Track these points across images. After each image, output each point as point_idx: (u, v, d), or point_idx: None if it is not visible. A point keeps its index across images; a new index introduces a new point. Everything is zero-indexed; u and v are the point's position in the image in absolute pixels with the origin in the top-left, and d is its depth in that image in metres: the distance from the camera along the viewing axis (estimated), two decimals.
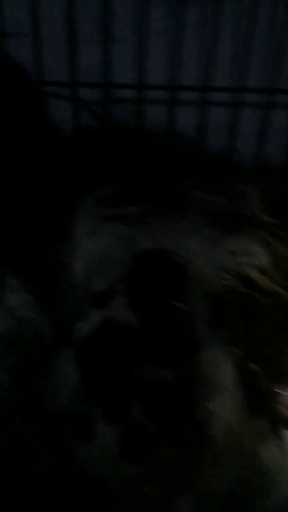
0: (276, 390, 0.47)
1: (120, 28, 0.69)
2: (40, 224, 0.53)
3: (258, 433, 0.46)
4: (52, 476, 0.45)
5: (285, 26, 0.69)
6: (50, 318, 0.51)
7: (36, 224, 0.53)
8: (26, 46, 0.67)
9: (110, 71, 0.70)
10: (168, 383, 0.45)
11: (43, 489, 0.45)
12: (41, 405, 0.47)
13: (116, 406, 0.44)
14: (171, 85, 0.70)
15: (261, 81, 0.72)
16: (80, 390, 0.45)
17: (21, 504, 0.45)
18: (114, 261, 0.52)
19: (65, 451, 0.44)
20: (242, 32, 0.69)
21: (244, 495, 0.45)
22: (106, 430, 0.43)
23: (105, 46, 0.69)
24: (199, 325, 0.48)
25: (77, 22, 0.67)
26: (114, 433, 0.43)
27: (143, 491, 0.44)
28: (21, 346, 0.52)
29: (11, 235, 0.52)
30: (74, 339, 0.48)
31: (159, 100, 0.72)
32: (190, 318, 0.48)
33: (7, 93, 0.55)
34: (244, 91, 0.72)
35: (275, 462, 0.45)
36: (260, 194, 0.57)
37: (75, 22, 0.67)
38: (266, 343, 0.48)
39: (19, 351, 0.52)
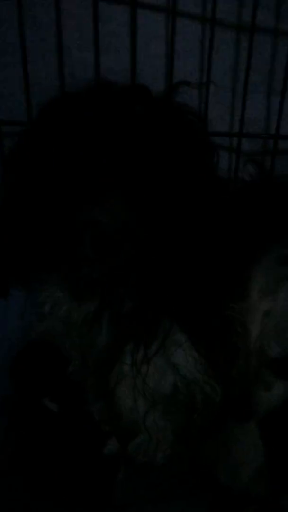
0: None
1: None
2: (213, 279, 0.50)
3: None
4: None
5: None
6: (220, 381, 0.48)
7: (208, 279, 0.50)
8: (192, 96, 0.66)
9: (273, 122, 0.67)
10: None
11: None
12: (214, 480, 0.43)
13: None
14: None
15: None
16: (266, 473, 0.40)
17: None
18: None
19: None
20: None
21: None
22: None
23: (271, 97, 0.67)
24: None
25: (244, 73, 0.65)
26: None
27: None
28: (185, 407, 0.48)
29: (181, 290, 0.49)
30: (255, 411, 0.43)
31: None
32: None
33: (182, 142, 0.53)
34: None
35: None
36: None
37: (242, 73, 0.66)
38: None
39: (183, 413, 0.48)
